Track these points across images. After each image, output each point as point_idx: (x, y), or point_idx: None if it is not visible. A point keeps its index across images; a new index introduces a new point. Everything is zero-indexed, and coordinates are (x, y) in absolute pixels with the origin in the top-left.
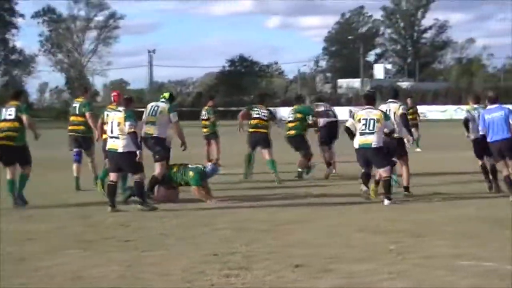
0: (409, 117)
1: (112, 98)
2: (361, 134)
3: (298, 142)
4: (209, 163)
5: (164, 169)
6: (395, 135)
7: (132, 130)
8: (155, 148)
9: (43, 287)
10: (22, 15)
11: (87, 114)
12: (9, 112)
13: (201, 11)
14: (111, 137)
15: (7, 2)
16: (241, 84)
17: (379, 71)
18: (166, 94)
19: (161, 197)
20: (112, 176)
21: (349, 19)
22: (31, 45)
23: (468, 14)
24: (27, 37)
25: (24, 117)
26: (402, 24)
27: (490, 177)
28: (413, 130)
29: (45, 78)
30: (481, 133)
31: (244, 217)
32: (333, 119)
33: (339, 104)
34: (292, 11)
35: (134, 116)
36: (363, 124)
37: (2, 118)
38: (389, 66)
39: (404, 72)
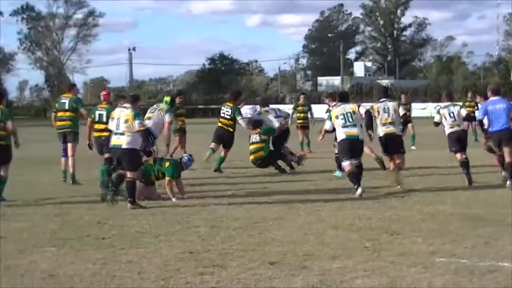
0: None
1: (102, 97)
2: (344, 127)
3: (268, 159)
4: (185, 154)
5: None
6: (398, 132)
7: (142, 128)
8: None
9: (12, 287)
10: (0, 13)
11: (82, 110)
12: None
13: (181, 10)
14: (116, 133)
15: None
16: (221, 82)
17: (359, 68)
18: (167, 98)
19: (139, 194)
20: (128, 173)
21: (328, 17)
22: (10, 43)
23: (447, 12)
24: (6, 35)
25: (8, 123)
26: (381, 22)
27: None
28: (409, 126)
29: (25, 76)
30: (479, 118)
31: (219, 214)
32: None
33: (320, 102)
34: (272, 10)
35: (141, 114)
36: (341, 119)
37: None
38: (369, 64)
39: (384, 70)
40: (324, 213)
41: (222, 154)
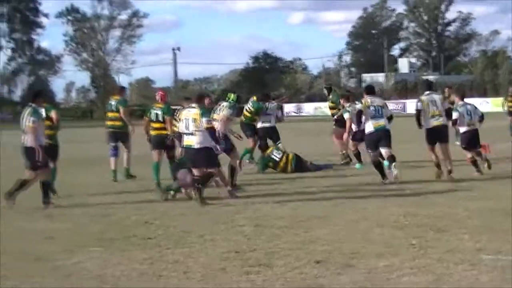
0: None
1: (160, 97)
2: (373, 118)
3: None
4: None
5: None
6: (445, 123)
7: (210, 125)
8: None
9: (58, 287)
10: (46, 15)
11: (122, 109)
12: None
13: (224, 8)
14: (187, 134)
15: (31, 2)
16: (265, 80)
17: (403, 65)
18: (233, 96)
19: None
20: (196, 172)
21: (372, 14)
22: (56, 45)
23: (492, 6)
24: (52, 37)
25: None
26: (425, 18)
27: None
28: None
29: (71, 77)
30: None
31: (264, 213)
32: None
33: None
34: (315, 7)
35: (209, 112)
36: (373, 110)
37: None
38: (413, 60)
39: (428, 66)
40: (369, 210)
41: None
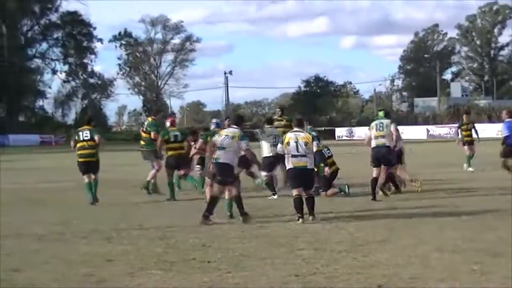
0: (464, 133)
1: (169, 123)
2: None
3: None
4: None
5: None
6: None
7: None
8: None
9: None
10: (100, 40)
11: (152, 133)
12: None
13: (275, 32)
14: (297, 156)
15: (85, 28)
16: (317, 104)
17: (456, 89)
18: (381, 113)
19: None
20: (298, 191)
21: (423, 38)
22: (109, 69)
23: None
24: (105, 60)
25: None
26: (478, 42)
27: None
28: (466, 147)
29: (123, 101)
30: None
31: (322, 237)
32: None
33: (416, 123)
34: (366, 31)
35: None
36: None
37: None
38: (466, 84)
39: (481, 90)
40: (426, 234)
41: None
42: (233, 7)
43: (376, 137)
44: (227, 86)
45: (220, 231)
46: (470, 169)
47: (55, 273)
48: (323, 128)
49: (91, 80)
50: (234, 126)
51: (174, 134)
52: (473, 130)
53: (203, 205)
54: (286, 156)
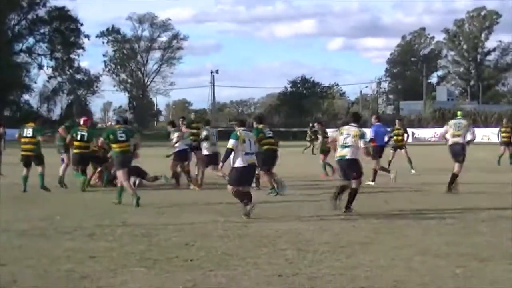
0: (395, 138)
1: (83, 122)
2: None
3: None
4: None
5: None
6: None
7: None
8: None
9: None
10: (87, 36)
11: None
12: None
13: (263, 33)
14: (342, 146)
15: (73, 23)
16: (303, 105)
17: (441, 93)
18: (460, 113)
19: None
20: (345, 182)
21: (410, 41)
22: (96, 65)
23: None
24: (92, 57)
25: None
26: (465, 46)
27: None
28: (402, 151)
29: (109, 97)
30: None
31: (306, 238)
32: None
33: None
34: (354, 33)
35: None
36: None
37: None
38: (452, 88)
39: (467, 95)
40: (410, 238)
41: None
42: (222, 6)
43: (454, 136)
44: (213, 85)
45: (203, 229)
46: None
47: (38, 269)
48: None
49: (77, 76)
50: (353, 124)
51: (81, 134)
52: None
53: (189, 205)
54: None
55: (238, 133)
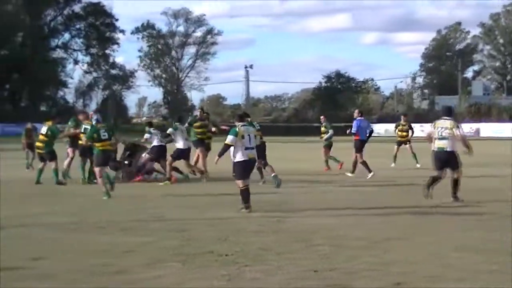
0: (400, 133)
1: (83, 117)
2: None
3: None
4: None
5: None
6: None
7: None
8: None
9: None
10: (122, 31)
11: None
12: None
13: (297, 27)
14: (439, 138)
15: (108, 18)
16: (337, 100)
17: (477, 88)
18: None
19: None
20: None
21: (446, 35)
22: (131, 60)
23: None
24: (127, 52)
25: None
26: (501, 41)
27: None
28: (404, 146)
29: (144, 92)
30: None
31: (341, 233)
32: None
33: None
34: (389, 28)
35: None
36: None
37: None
38: (487, 83)
39: (503, 89)
40: (446, 233)
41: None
42: (256, 1)
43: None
44: (248, 80)
45: (238, 225)
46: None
47: (74, 263)
48: (342, 124)
49: (113, 71)
50: (447, 118)
51: (84, 127)
52: None
53: (218, 199)
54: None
55: (237, 129)
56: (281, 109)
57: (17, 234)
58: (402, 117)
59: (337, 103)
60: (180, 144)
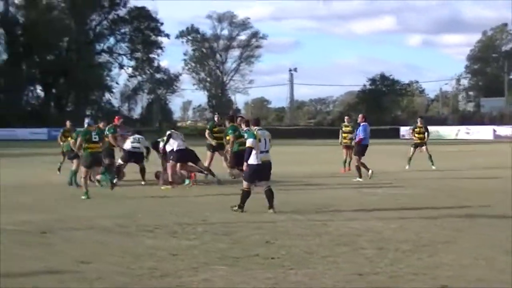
0: (417, 136)
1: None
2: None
3: None
4: None
5: None
6: None
7: None
8: None
9: None
10: (167, 35)
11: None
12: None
13: (341, 30)
14: None
15: (153, 23)
16: (382, 102)
17: None
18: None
19: None
20: None
21: (491, 37)
22: (175, 64)
23: None
24: (171, 56)
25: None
26: None
27: None
28: (419, 149)
29: (188, 96)
30: None
31: (386, 236)
32: None
33: (482, 123)
34: (434, 29)
35: None
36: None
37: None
38: None
39: None
40: (494, 237)
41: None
42: (300, 4)
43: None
44: (292, 83)
45: (283, 228)
46: (434, 167)
47: (121, 266)
48: (388, 127)
49: (157, 75)
50: None
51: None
52: None
53: (263, 202)
54: None
55: (254, 132)
56: (326, 112)
57: (65, 237)
58: (418, 119)
59: (382, 106)
60: (175, 145)
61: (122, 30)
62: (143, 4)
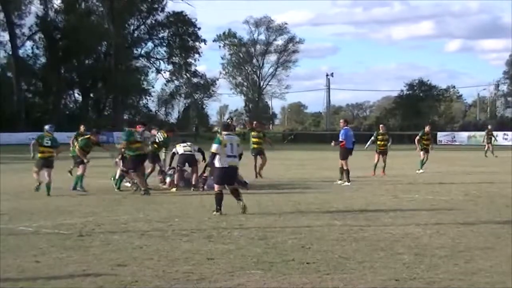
0: (424, 142)
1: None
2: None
3: None
4: None
5: None
6: None
7: None
8: None
9: None
10: (204, 41)
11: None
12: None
13: (379, 35)
14: None
15: (191, 27)
16: (419, 108)
17: None
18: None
19: None
20: None
21: None
22: (212, 69)
23: None
24: (208, 60)
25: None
26: None
27: None
28: (422, 153)
29: (225, 101)
30: None
31: (423, 242)
32: None
33: None
34: (473, 35)
35: None
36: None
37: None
38: None
39: None
40: None
41: None
42: (338, 9)
43: None
44: (329, 88)
45: (319, 233)
46: (421, 171)
47: (157, 270)
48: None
49: (194, 80)
50: None
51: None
52: None
53: (300, 207)
54: None
55: (220, 138)
56: (363, 117)
57: (103, 240)
58: (426, 127)
59: (419, 112)
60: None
61: (160, 35)
62: (182, 9)
